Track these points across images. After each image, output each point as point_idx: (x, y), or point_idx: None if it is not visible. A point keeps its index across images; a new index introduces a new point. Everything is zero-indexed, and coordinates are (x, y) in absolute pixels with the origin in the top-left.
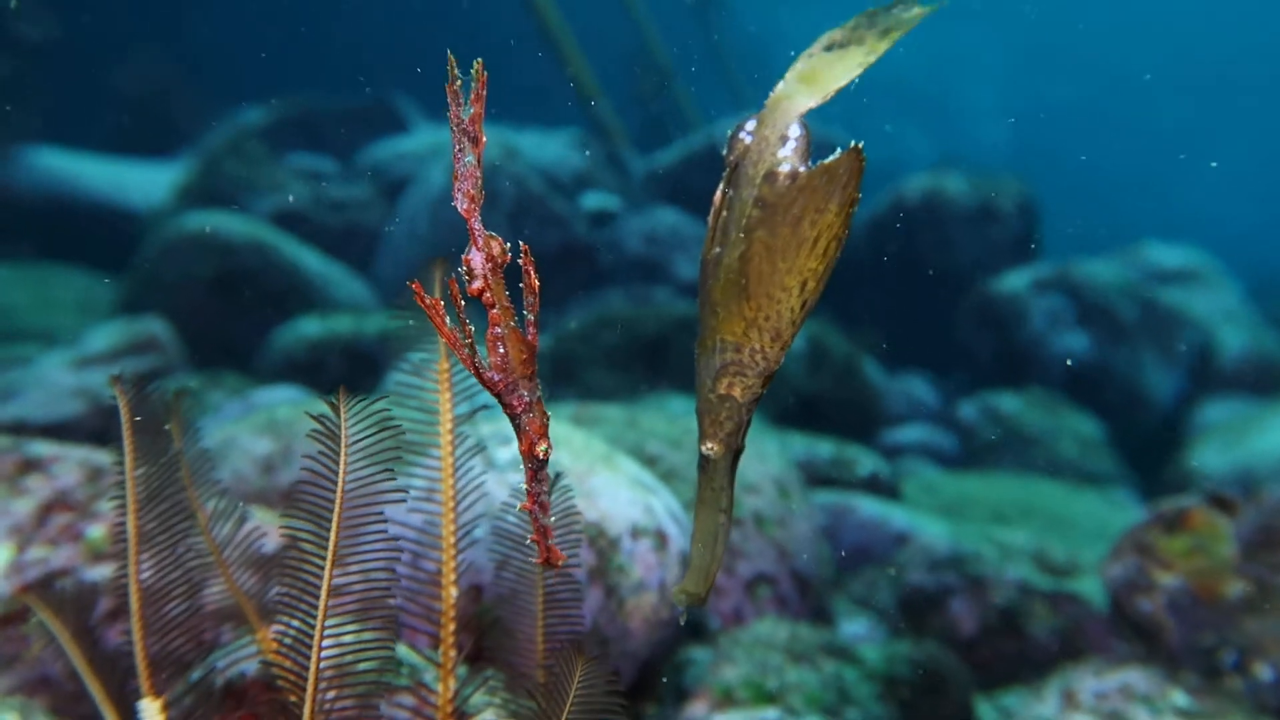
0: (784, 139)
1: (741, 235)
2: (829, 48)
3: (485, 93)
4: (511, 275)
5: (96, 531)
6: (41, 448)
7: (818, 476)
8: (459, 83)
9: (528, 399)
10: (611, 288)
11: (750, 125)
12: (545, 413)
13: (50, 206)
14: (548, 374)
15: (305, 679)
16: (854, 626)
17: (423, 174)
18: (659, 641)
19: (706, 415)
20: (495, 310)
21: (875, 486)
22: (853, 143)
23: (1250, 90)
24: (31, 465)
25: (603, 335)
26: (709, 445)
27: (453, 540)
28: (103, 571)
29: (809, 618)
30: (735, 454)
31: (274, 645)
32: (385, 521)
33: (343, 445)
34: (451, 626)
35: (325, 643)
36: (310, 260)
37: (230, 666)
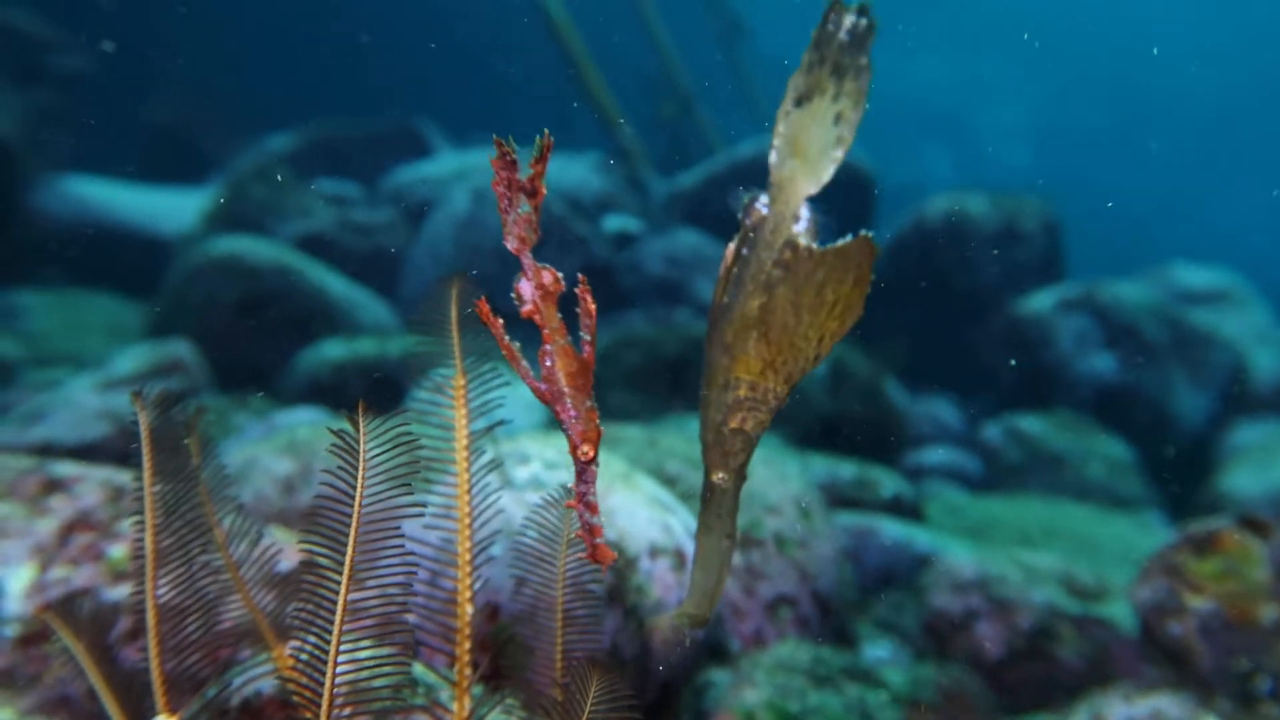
0: (797, 217)
1: (761, 289)
2: (798, 101)
3: (549, 155)
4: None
5: (118, 551)
6: (64, 468)
7: (840, 498)
8: (514, 153)
9: (573, 409)
10: (632, 309)
11: (764, 199)
12: (596, 424)
13: (82, 233)
14: None
15: (320, 696)
16: (877, 650)
17: (446, 197)
18: (679, 662)
19: (717, 448)
20: (546, 331)
21: (898, 509)
22: (865, 231)
23: (1275, 110)
24: (54, 485)
25: (624, 356)
26: (720, 475)
27: (469, 558)
28: (123, 591)
29: (831, 640)
30: (741, 482)
31: (290, 663)
32: (402, 537)
33: (361, 460)
34: (467, 645)
35: (340, 659)
36: (335, 284)
37: (247, 684)
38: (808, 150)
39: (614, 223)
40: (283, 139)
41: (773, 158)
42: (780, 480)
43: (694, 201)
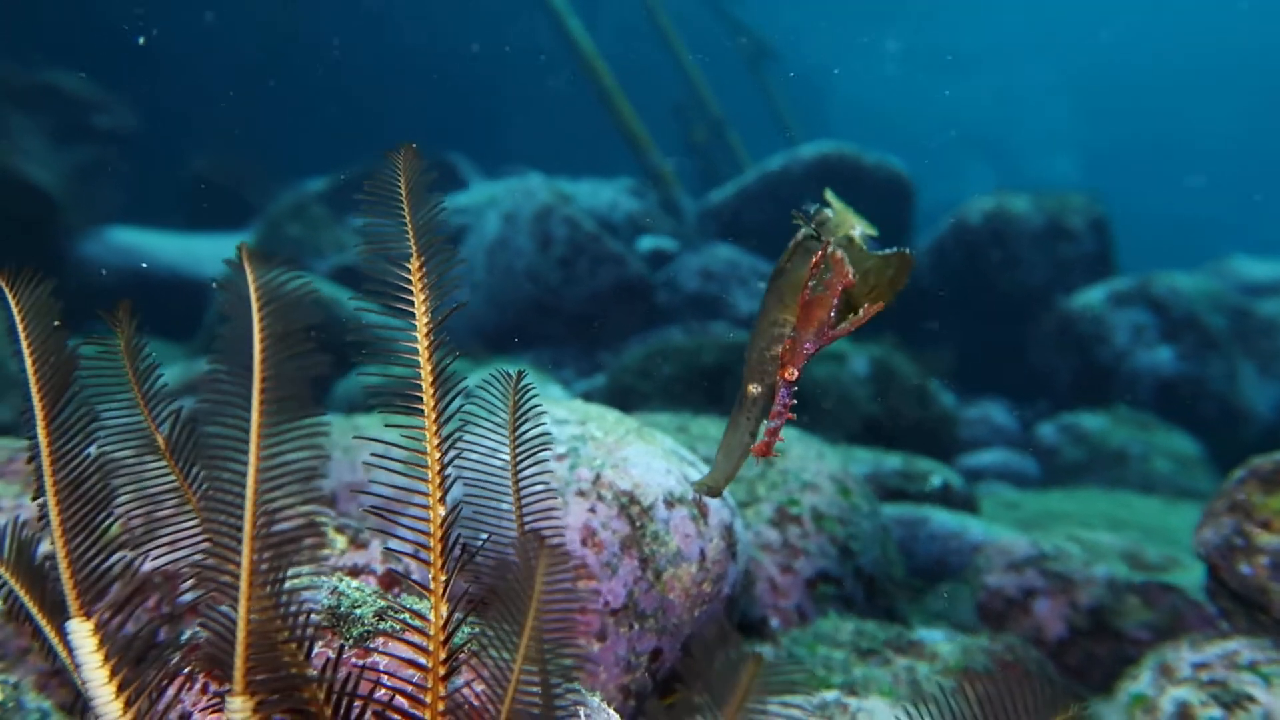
0: (854, 224)
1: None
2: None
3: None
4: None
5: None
6: None
7: (886, 489)
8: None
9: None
10: (670, 326)
11: (828, 210)
12: (802, 357)
13: (128, 281)
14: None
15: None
16: (930, 634)
17: (478, 225)
18: (703, 617)
19: (758, 367)
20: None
21: (949, 500)
22: (907, 249)
23: None
24: None
25: (661, 368)
26: (755, 386)
27: (437, 455)
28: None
29: (878, 619)
30: (770, 398)
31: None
32: (309, 402)
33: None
34: (440, 548)
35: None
36: (368, 315)
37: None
38: (849, 220)
39: (648, 243)
40: (319, 181)
41: (831, 204)
42: (817, 458)
43: (727, 215)
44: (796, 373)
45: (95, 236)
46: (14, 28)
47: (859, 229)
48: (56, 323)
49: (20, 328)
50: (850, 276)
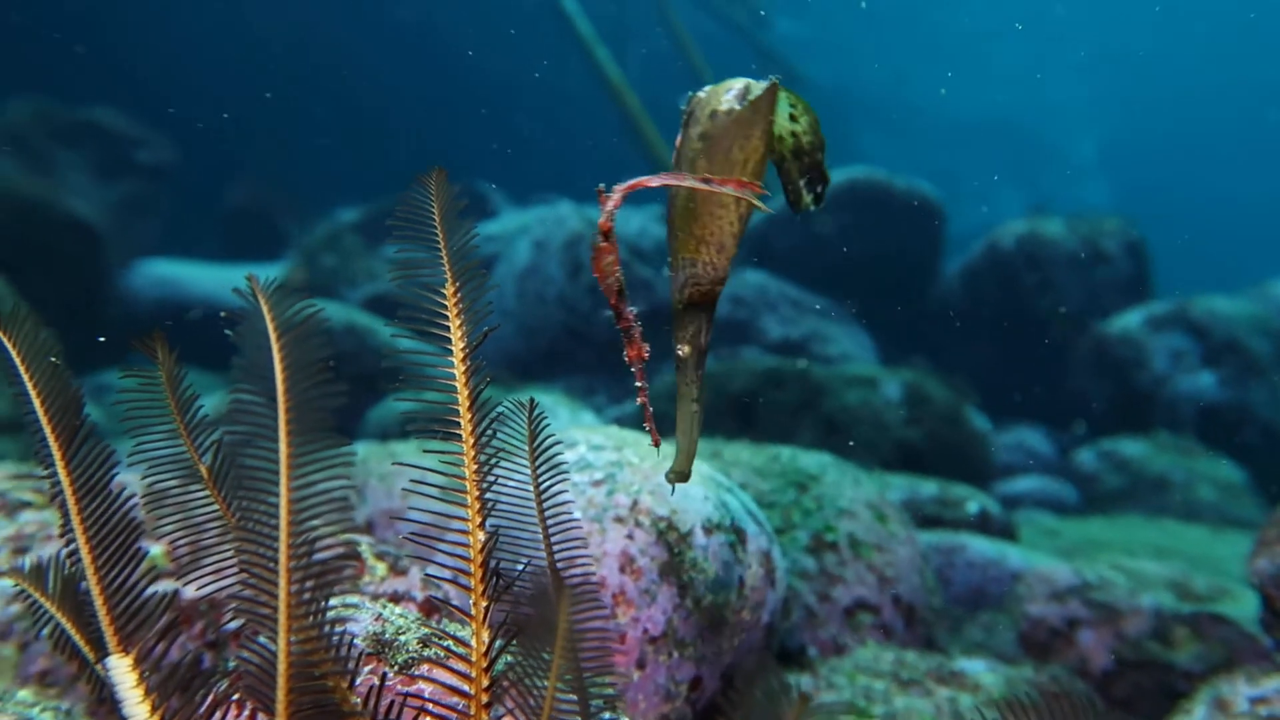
0: (729, 89)
1: (688, 166)
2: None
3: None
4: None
5: (156, 549)
6: None
7: (923, 516)
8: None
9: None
10: None
11: (704, 91)
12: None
13: (165, 312)
14: None
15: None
16: (972, 664)
17: (508, 252)
18: (743, 646)
19: (676, 322)
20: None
21: (986, 527)
22: (772, 78)
23: None
24: None
25: None
26: (681, 348)
27: (476, 480)
28: (169, 587)
29: (918, 649)
30: (701, 353)
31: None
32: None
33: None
34: (480, 574)
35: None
36: (403, 340)
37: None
38: (718, 93)
39: None
40: (352, 211)
41: (700, 94)
42: (853, 484)
43: (755, 241)
44: (630, 354)
45: (135, 269)
46: (56, 67)
47: (732, 91)
48: (54, 360)
49: (21, 369)
50: (605, 220)
